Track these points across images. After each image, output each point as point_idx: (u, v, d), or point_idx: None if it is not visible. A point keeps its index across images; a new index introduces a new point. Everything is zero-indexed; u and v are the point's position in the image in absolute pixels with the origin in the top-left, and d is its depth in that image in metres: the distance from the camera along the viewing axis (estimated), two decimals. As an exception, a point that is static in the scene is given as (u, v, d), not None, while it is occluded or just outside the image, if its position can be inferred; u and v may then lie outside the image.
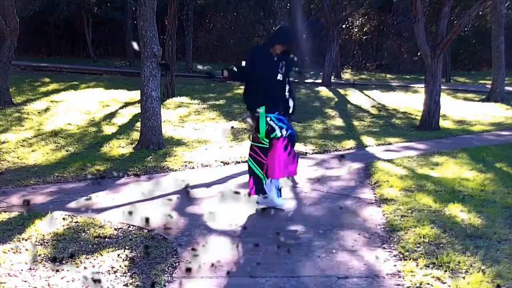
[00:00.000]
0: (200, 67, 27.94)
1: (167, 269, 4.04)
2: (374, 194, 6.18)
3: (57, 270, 3.98)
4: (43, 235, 4.70)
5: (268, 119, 5.48)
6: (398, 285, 3.77)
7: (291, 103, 5.70)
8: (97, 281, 3.80)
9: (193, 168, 7.77)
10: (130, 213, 5.44)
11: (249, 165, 5.66)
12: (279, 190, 5.65)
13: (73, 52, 34.83)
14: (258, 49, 5.98)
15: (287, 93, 5.66)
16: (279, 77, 5.55)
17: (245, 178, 7.07)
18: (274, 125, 5.47)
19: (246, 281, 3.83)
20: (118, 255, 4.29)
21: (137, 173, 7.30)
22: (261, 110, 5.45)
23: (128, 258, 4.22)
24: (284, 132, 5.49)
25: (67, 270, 3.98)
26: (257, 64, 5.52)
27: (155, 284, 3.76)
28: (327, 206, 5.75)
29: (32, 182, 6.77)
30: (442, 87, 12.62)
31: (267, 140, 5.52)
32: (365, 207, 5.68)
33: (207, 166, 7.89)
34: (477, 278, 3.80)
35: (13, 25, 13.00)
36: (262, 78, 5.49)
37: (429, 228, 4.82)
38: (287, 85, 5.66)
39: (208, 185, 6.70)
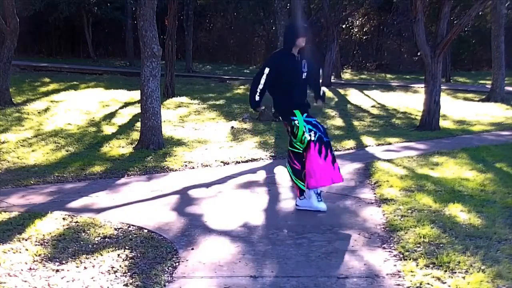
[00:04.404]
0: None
1: (167, 269, 4.04)
2: (374, 194, 6.18)
3: (57, 270, 3.98)
4: (43, 235, 4.70)
5: (297, 122, 5.40)
6: (398, 285, 3.77)
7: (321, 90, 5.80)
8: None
9: (193, 168, 7.77)
10: (130, 213, 5.44)
11: (288, 172, 5.64)
12: (318, 194, 5.54)
13: (73, 52, 34.85)
14: (282, 54, 5.63)
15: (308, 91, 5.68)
16: (304, 75, 5.53)
17: (245, 178, 7.10)
18: (303, 128, 5.39)
19: (246, 281, 3.83)
20: (118, 255, 4.28)
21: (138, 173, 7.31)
22: (298, 113, 5.40)
23: (128, 258, 4.22)
24: (312, 136, 5.37)
25: (67, 270, 3.98)
26: (286, 68, 5.43)
27: (155, 284, 3.76)
28: (327, 206, 5.74)
29: (32, 182, 6.77)
30: (442, 87, 12.63)
31: (301, 145, 5.43)
32: (365, 207, 5.68)
33: (207, 166, 7.89)
34: (477, 278, 3.80)
35: (13, 25, 13.00)
36: (293, 81, 5.45)
37: (429, 228, 4.82)
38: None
39: (208, 185, 6.69)
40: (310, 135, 5.38)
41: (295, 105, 5.46)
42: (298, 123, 5.40)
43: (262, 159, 8.40)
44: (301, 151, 5.48)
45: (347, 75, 30.22)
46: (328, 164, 5.42)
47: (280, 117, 5.76)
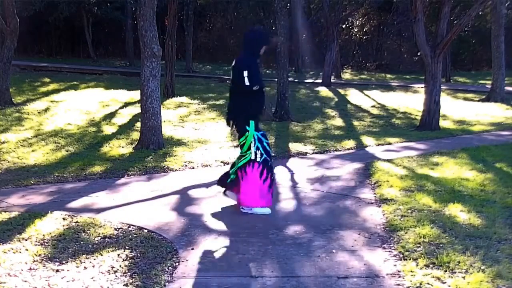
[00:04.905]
0: None
1: (167, 269, 4.04)
2: (374, 194, 6.18)
3: (57, 270, 3.98)
4: (43, 235, 4.70)
5: (247, 134, 5.37)
6: (398, 285, 3.77)
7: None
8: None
9: (193, 168, 7.77)
10: (130, 213, 5.44)
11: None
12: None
13: (73, 52, 34.88)
14: (253, 59, 5.54)
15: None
16: None
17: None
18: (253, 145, 5.37)
19: (246, 281, 3.83)
20: (118, 255, 4.28)
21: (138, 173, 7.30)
22: (252, 125, 5.38)
23: (128, 258, 4.22)
24: (258, 157, 5.36)
25: (67, 270, 3.98)
26: (258, 74, 5.44)
27: (155, 284, 3.76)
28: (327, 206, 5.75)
29: (32, 182, 6.77)
30: (442, 87, 12.63)
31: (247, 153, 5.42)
32: (365, 207, 5.68)
33: (207, 166, 7.89)
34: (477, 278, 3.80)
35: (13, 25, 13.00)
36: (261, 88, 5.46)
37: (429, 228, 4.82)
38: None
39: (208, 185, 6.69)
40: (256, 155, 5.36)
41: (258, 112, 5.49)
42: (248, 136, 5.37)
43: (262, 159, 8.39)
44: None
45: (347, 75, 30.22)
46: (265, 187, 5.41)
47: (234, 124, 5.54)
